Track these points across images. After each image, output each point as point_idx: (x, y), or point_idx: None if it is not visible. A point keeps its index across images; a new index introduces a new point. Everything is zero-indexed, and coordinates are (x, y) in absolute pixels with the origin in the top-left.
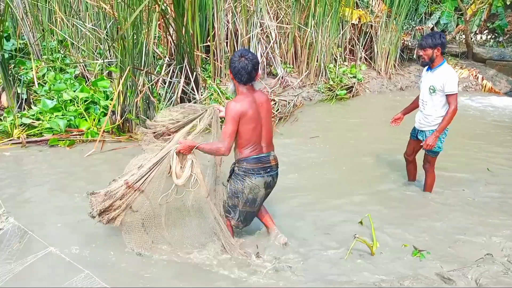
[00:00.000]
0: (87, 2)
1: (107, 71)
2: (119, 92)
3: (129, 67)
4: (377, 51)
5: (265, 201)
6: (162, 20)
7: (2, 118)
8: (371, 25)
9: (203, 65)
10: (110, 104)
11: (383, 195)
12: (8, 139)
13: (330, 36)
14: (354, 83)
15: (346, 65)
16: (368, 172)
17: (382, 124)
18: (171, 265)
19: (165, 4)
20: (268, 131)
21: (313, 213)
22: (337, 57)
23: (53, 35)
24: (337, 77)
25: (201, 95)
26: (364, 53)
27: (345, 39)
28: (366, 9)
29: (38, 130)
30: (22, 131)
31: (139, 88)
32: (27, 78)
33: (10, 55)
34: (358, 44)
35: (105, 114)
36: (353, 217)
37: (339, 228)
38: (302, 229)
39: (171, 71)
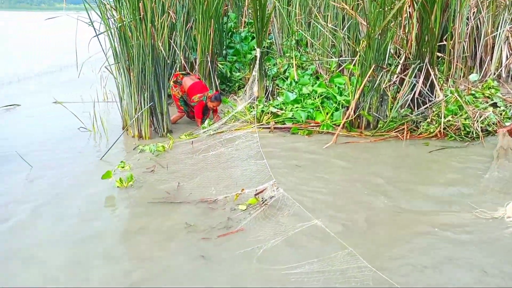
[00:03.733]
0: (328, 4)
1: (340, 68)
2: (356, 89)
3: (374, 65)
4: None
5: None
6: (415, 17)
7: (254, 106)
8: None
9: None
10: (348, 99)
11: None
12: (259, 124)
13: None
14: None
15: None
16: None
17: None
18: None
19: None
20: None
21: None
22: None
23: (292, 35)
24: None
25: (437, 97)
26: None
27: None
28: None
29: (281, 119)
30: (269, 118)
31: (382, 86)
32: (271, 73)
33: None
34: None
35: (337, 109)
36: None
37: None
38: None
39: (410, 70)
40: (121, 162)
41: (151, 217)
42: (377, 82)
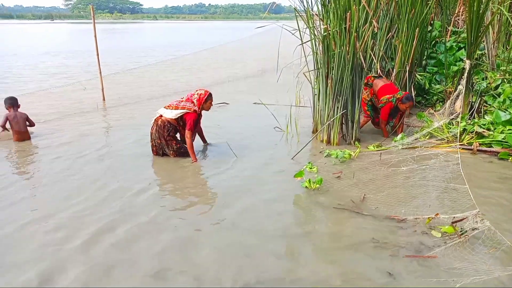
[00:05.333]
0: None
1: None
2: None
3: None
4: None
5: None
6: None
7: (454, 122)
8: None
9: None
10: None
11: None
12: (460, 144)
13: None
14: None
15: None
16: None
17: None
18: None
19: None
20: None
21: None
22: None
23: (508, 46)
24: None
25: None
26: None
27: None
28: None
29: (488, 141)
30: (472, 139)
31: None
32: (479, 88)
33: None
34: None
35: None
36: None
37: None
38: None
39: None
40: (309, 163)
41: (337, 223)
42: None
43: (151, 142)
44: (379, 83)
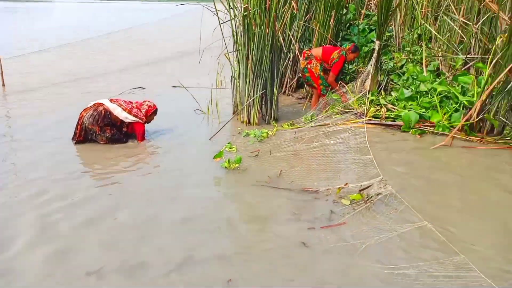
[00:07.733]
0: None
1: (466, 67)
2: (484, 89)
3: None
4: None
5: None
6: None
7: (364, 100)
8: None
9: None
10: (472, 101)
11: None
12: (368, 118)
13: None
14: None
15: None
16: None
17: None
18: None
19: None
20: None
21: None
22: None
23: (415, 29)
24: None
25: None
26: None
27: None
28: None
29: (393, 115)
30: (378, 112)
31: None
32: (387, 67)
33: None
34: None
35: (457, 110)
36: None
37: None
38: None
39: None
40: (228, 143)
41: (254, 199)
42: None
43: (78, 126)
44: (318, 50)
